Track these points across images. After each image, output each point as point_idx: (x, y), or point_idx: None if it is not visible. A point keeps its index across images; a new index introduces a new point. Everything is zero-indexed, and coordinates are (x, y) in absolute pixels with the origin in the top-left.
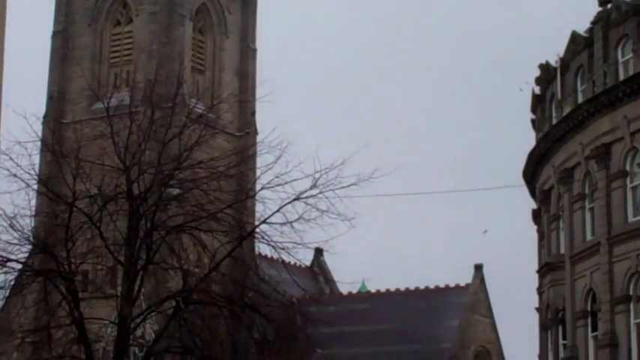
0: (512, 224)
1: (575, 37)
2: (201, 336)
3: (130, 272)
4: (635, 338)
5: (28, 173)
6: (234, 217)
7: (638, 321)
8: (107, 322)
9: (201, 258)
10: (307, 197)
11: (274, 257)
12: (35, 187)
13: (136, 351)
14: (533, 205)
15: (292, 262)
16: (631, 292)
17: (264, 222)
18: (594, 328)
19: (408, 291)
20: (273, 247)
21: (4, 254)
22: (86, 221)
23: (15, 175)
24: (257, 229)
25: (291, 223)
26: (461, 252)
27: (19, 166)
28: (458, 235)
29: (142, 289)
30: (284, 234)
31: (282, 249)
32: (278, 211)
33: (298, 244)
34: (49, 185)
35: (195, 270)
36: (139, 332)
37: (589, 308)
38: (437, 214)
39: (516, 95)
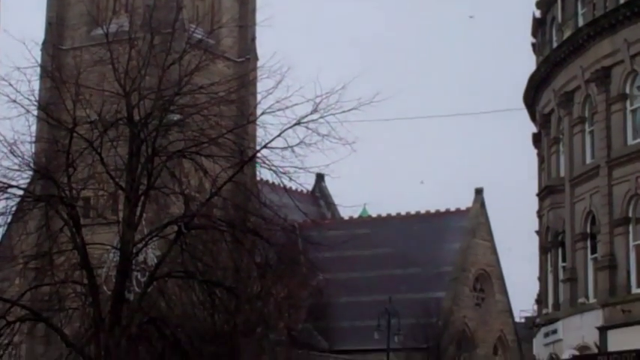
0: (513, 148)
1: None
2: (203, 260)
3: (132, 197)
4: (634, 260)
5: (28, 99)
6: (235, 142)
7: (637, 243)
8: (109, 247)
9: (202, 183)
10: (308, 122)
11: (275, 183)
12: (35, 113)
13: (139, 276)
14: (534, 128)
15: (294, 188)
16: (630, 214)
17: (265, 147)
18: (593, 251)
19: (408, 215)
20: (274, 171)
21: (4, 180)
22: (87, 147)
23: (14, 101)
24: (258, 154)
25: (292, 147)
26: (461, 176)
27: (19, 92)
28: (458, 158)
29: (144, 215)
30: (285, 159)
31: (284, 173)
32: (279, 135)
33: (299, 168)
34: (48, 111)
35: (196, 195)
36: (141, 257)
37: (588, 231)
38: (437, 138)
39: (517, 19)
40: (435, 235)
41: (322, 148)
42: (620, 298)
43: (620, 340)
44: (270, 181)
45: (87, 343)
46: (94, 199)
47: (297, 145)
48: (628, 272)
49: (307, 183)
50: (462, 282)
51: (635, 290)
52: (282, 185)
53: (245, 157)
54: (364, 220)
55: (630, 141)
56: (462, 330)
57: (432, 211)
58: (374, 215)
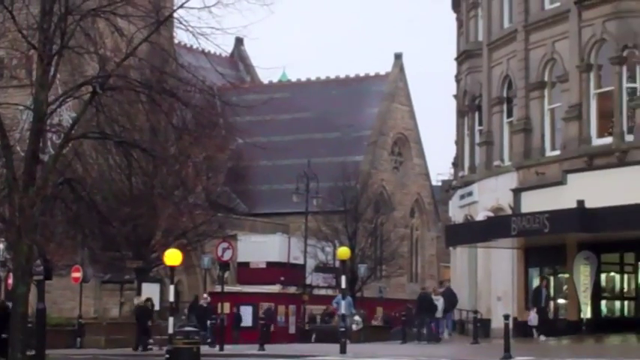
0: (432, 12)
1: None
2: (119, 122)
3: (45, 57)
4: (549, 123)
5: None
6: (151, 2)
7: (551, 107)
8: (22, 107)
9: (118, 46)
10: None
11: (193, 46)
12: None
13: (54, 137)
14: None
15: (212, 52)
16: (546, 79)
17: (181, 6)
18: (509, 114)
19: (328, 79)
20: (191, 32)
21: None
22: None
23: None
24: (174, 14)
25: (209, 7)
26: (381, 40)
27: None
28: (378, 23)
29: (58, 75)
30: (202, 19)
31: (201, 34)
32: None
33: (217, 29)
34: None
35: (111, 56)
36: (55, 119)
37: (505, 94)
38: (357, 0)
39: None
40: (354, 100)
41: (240, 9)
42: (534, 161)
43: (534, 201)
44: (188, 44)
45: (0, 204)
46: (7, 60)
47: (214, 5)
48: (542, 135)
49: (225, 45)
50: (381, 146)
51: (548, 153)
52: (199, 47)
53: (161, 17)
54: (284, 84)
55: (547, 5)
56: (380, 193)
57: (352, 75)
58: (293, 79)
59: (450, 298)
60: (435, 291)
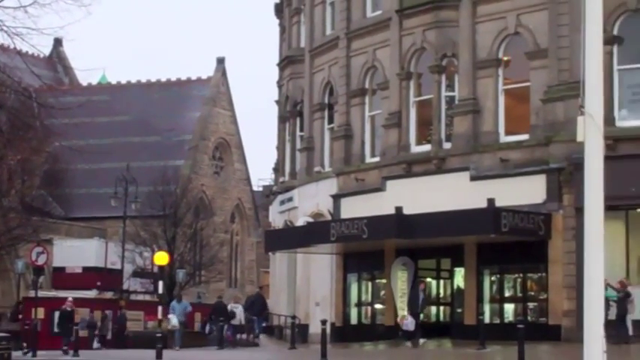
0: (255, 17)
1: None
2: None
3: None
4: (369, 130)
5: None
6: None
7: (372, 114)
8: None
9: None
10: None
11: (10, 46)
12: None
13: None
14: None
15: (29, 52)
16: (367, 86)
17: None
18: (330, 120)
19: (149, 83)
20: (6, 32)
21: None
22: None
23: None
24: None
25: (24, 7)
26: (204, 44)
27: None
28: (201, 27)
29: None
30: (17, 19)
31: (16, 35)
32: None
33: (33, 29)
34: None
35: None
36: None
37: (326, 101)
38: (178, 4)
39: None
40: (175, 104)
41: (57, 10)
42: (354, 167)
43: (353, 207)
44: (4, 44)
45: None
46: None
47: (30, 5)
48: (363, 142)
49: (43, 45)
50: (202, 150)
51: (368, 160)
52: (14, 48)
53: None
54: (103, 87)
55: (369, 13)
56: (200, 197)
57: (173, 79)
58: (113, 82)
59: (260, 304)
60: (235, 299)
